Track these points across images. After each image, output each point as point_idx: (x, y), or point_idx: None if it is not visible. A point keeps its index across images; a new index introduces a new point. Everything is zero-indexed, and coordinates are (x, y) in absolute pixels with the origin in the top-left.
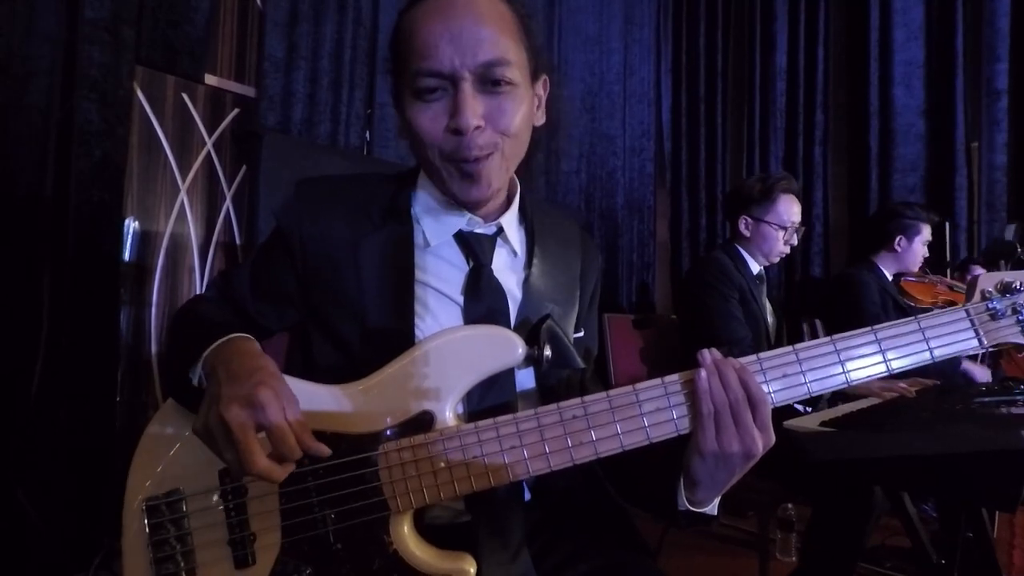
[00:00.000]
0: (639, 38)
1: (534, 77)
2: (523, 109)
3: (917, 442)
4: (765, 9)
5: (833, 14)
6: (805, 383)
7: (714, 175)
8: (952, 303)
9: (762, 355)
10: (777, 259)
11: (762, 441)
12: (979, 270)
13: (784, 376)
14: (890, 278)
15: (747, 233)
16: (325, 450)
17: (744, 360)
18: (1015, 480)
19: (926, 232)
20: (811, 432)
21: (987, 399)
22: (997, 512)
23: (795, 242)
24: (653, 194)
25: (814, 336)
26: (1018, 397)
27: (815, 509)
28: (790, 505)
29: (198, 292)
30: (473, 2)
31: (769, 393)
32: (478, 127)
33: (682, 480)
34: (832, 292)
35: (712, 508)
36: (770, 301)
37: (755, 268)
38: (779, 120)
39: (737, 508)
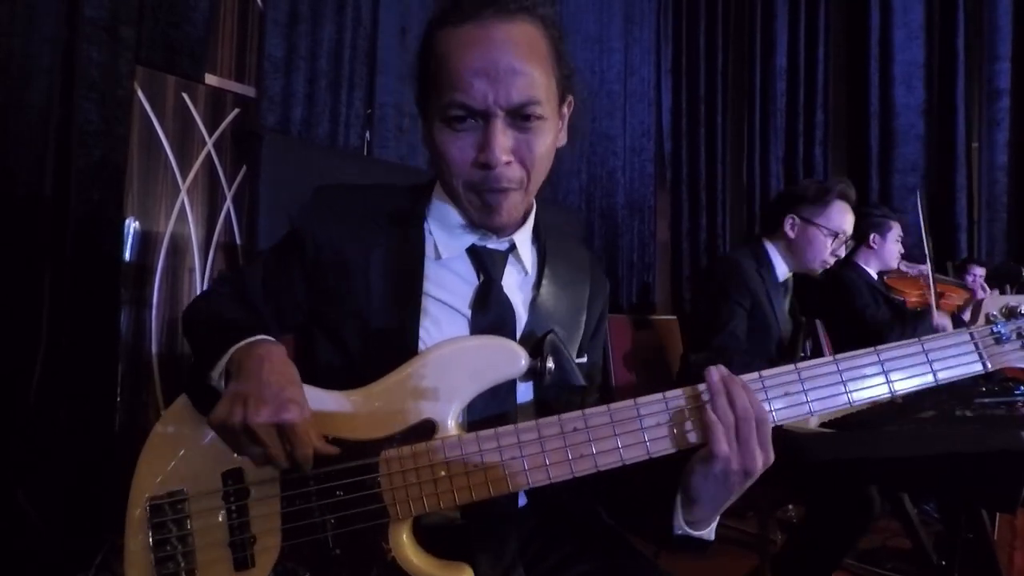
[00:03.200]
0: (639, 38)
1: (561, 100)
2: (549, 140)
3: (917, 442)
4: (765, 9)
5: (833, 14)
6: (807, 402)
7: (714, 175)
8: (939, 295)
9: (764, 373)
10: (820, 269)
11: (761, 459)
12: (978, 269)
13: (786, 395)
14: (874, 275)
15: (792, 234)
16: (333, 450)
17: (746, 378)
18: (1015, 481)
19: (897, 229)
20: (810, 432)
21: (987, 399)
22: (998, 513)
23: (842, 254)
24: (653, 194)
25: (815, 338)
26: (1018, 397)
27: (809, 509)
28: (790, 506)
29: (199, 292)
30: (510, 34)
31: (771, 412)
32: (508, 163)
33: (679, 499)
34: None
35: (709, 532)
36: (790, 308)
37: (782, 274)
38: (779, 120)
39: (737, 509)
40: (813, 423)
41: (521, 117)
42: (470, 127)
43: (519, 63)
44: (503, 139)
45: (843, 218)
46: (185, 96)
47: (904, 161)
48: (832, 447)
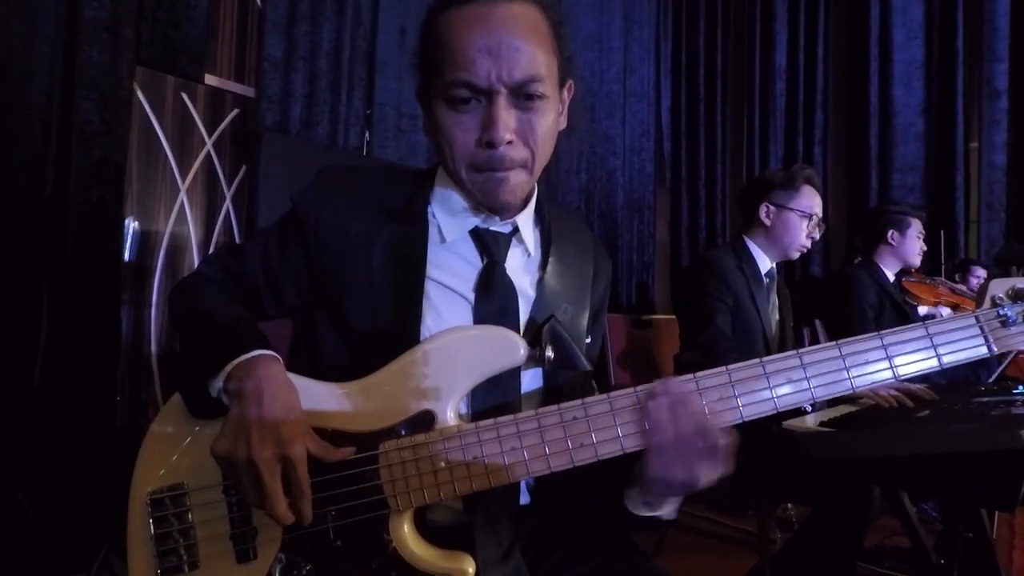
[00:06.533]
0: (639, 37)
1: (561, 84)
2: (551, 120)
3: (917, 442)
4: (765, 9)
5: (833, 14)
6: (810, 388)
7: (714, 175)
8: (955, 305)
9: (765, 359)
10: (797, 254)
11: (706, 473)
12: (980, 271)
13: (789, 381)
14: (891, 277)
15: (768, 222)
16: (346, 453)
17: (737, 367)
18: (1014, 480)
19: (917, 225)
20: (810, 432)
21: (987, 399)
22: (997, 512)
23: (817, 236)
24: (653, 194)
25: (814, 339)
26: (1018, 397)
27: (815, 509)
28: (790, 505)
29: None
30: (511, 13)
31: (773, 398)
32: (510, 141)
33: (638, 489)
34: (831, 292)
35: (669, 512)
36: (780, 299)
37: (765, 266)
38: (779, 120)
39: (737, 508)
40: (811, 421)
41: (524, 96)
42: (473, 107)
43: (521, 41)
44: (506, 117)
45: (813, 200)
46: (184, 96)
47: (903, 161)
48: (832, 447)
